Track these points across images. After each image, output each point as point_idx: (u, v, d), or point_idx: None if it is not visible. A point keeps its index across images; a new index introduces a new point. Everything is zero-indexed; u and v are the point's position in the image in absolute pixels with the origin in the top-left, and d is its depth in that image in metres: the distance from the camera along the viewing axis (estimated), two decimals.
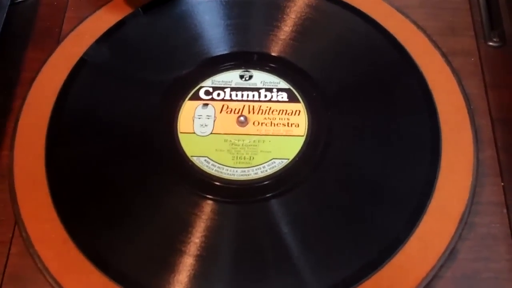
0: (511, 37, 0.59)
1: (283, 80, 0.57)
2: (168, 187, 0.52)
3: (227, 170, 0.52)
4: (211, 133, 0.54)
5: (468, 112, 0.54)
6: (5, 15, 0.59)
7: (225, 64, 0.58)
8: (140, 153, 0.54)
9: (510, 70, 0.58)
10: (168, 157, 0.53)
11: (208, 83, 0.57)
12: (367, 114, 0.55)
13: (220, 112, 0.55)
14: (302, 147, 0.53)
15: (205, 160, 0.53)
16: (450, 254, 0.49)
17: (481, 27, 0.61)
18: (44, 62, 0.59)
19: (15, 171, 0.53)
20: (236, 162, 0.53)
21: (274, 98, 0.56)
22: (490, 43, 0.60)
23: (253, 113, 0.55)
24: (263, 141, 0.54)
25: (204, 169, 0.52)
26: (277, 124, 0.54)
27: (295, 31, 0.59)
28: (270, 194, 0.51)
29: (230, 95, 0.56)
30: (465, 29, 0.61)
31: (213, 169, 0.52)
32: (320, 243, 0.49)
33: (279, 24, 0.59)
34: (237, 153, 0.53)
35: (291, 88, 0.56)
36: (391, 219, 0.49)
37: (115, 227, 0.50)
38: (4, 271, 0.50)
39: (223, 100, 0.56)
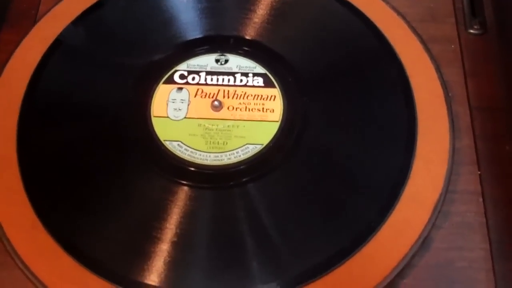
0: (492, 25, 0.59)
1: (259, 65, 0.56)
2: (140, 171, 0.51)
3: (200, 155, 0.52)
4: (184, 117, 0.54)
5: (446, 100, 0.54)
6: None
7: (201, 48, 0.57)
8: (113, 137, 0.53)
9: (490, 58, 0.58)
10: (141, 141, 0.53)
11: (183, 67, 0.56)
12: (343, 100, 0.54)
13: (195, 96, 0.55)
14: (276, 133, 0.53)
15: (178, 144, 0.52)
16: (424, 242, 0.48)
17: (462, 14, 0.60)
18: (18, 43, 0.58)
19: None
20: (210, 147, 0.52)
21: (249, 83, 0.55)
22: (471, 31, 0.59)
23: (228, 97, 0.55)
24: (237, 126, 0.53)
25: (176, 154, 0.52)
26: (252, 109, 0.54)
27: (272, 15, 0.58)
28: (244, 180, 0.51)
29: (205, 79, 0.56)
30: (446, 16, 0.61)
31: (186, 154, 0.52)
32: (293, 229, 0.49)
33: (256, 8, 0.59)
34: (210, 138, 0.53)
35: (267, 73, 0.56)
36: (364, 207, 0.49)
37: (86, 211, 0.50)
38: None
39: (198, 84, 0.55)
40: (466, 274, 0.49)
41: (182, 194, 0.50)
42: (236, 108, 0.54)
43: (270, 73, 0.56)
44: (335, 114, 0.54)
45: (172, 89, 0.55)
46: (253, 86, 0.55)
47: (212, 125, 0.53)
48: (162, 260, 0.47)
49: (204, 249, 0.48)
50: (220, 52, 0.57)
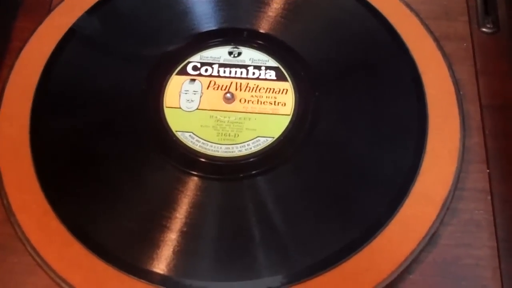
0: (505, 24, 0.59)
1: (272, 58, 0.56)
2: (151, 161, 0.52)
3: (211, 146, 0.52)
4: (197, 109, 0.54)
5: (457, 98, 0.54)
6: None
7: (214, 40, 0.57)
8: (125, 126, 0.53)
9: (502, 57, 0.58)
10: (153, 131, 0.53)
11: (196, 59, 0.56)
12: (355, 95, 0.54)
13: (207, 88, 0.55)
14: (287, 126, 0.53)
15: (189, 135, 0.53)
16: (431, 239, 0.48)
17: (475, 13, 0.60)
18: (33, 31, 0.58)
19: None
20: (221, 139, 0.52)
21: (262, 76, 0.55)
22: (484, 29, 0.60)
23: (240, 90, 0.55)
24: (249, 118, 0.53)
25: (188, 145, 0.52)
26: (263, 102, 0.54)
27: (286, 9, 0.58)
28: (254, 172, 0.51)
29: (218, 71, 0.56)
30: (459, 13, 0.61)
31: (197, 145, 0.52)
32: (302, 222, 0.49)
33: (270, 2, 0.59)
34: (222, 130, 0.53)
35: (280, 66, 0.56)
36: (373, 202, 0.49)
37: (97, 199, 0.50)
38: None
39: (210, 76, 0.56)
40: (473, 271, 0.49)
41: (192, 184, 0.50)
42: (248, 101, 0.54)
43: (282, 66, 0.56)
44: (346, 109, 0.54)
45: (185, 81, 0.55)
46: (266, 79, 0.55)
47: (224, 117, 0.54)
48: (171, 249, 0.47)
49: (212, 240, 0.48)
50: (234, 45, 0.57)
